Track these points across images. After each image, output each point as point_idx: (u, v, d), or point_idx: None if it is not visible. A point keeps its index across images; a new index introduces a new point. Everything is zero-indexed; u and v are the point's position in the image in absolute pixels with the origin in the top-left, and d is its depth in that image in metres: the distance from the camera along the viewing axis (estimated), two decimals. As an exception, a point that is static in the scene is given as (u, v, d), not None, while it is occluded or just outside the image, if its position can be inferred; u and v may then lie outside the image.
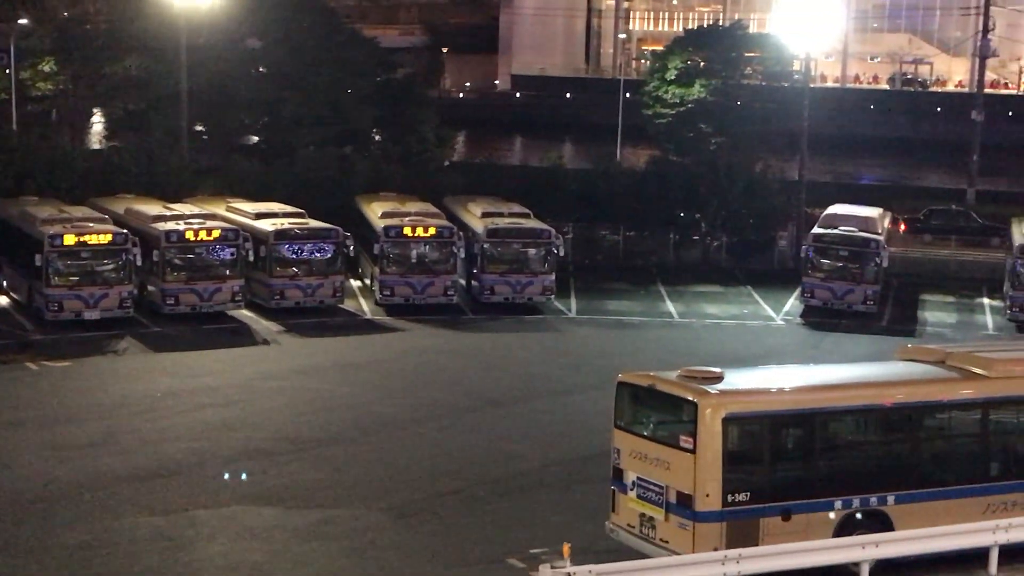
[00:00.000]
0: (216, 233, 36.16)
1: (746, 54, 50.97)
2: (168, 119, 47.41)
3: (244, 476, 23.59)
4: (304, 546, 20.27)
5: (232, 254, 36.08)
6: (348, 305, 38.71)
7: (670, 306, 40.64)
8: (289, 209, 39.76)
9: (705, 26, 71.10)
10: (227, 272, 36.03)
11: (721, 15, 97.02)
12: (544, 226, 39.53)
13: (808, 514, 18.88)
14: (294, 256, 37.30)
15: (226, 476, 23.56)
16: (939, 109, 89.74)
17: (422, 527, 21.31)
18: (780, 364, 26.57)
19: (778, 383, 20.39)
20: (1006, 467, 20.71)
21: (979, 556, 19.44)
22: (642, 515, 19.21)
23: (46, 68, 52.68)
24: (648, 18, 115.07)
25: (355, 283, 41.17)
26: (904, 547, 18.94)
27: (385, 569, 19.50)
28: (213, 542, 20.41)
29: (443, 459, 24.97)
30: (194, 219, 37.10)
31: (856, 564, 18.63)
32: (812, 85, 55.07)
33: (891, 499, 19.49)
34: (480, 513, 22.04)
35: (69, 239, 34.35)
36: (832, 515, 19.09)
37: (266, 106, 50.22)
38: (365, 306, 39.07)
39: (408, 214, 39.41)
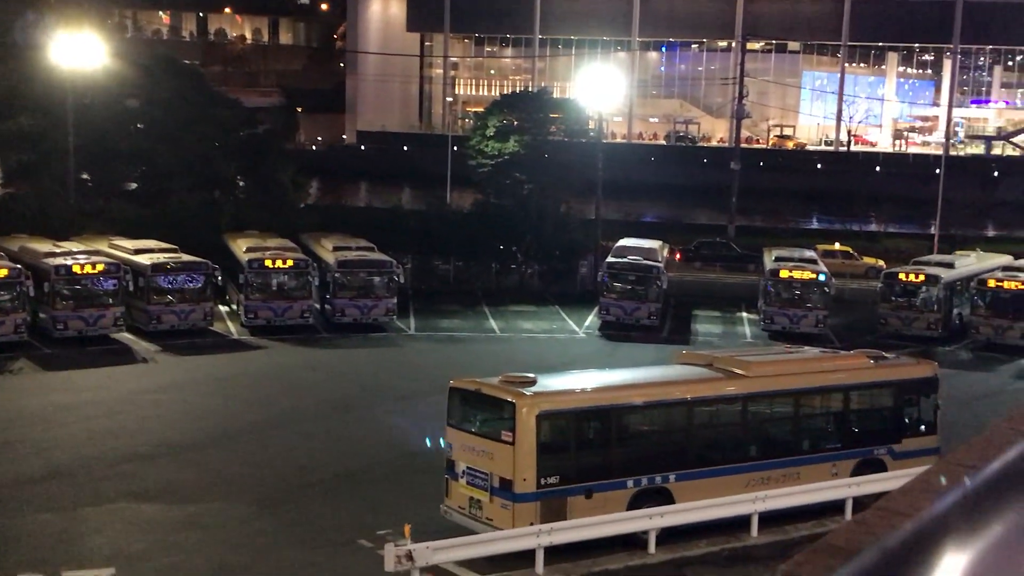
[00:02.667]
0: (100, 267, 34.87)
1: (551, 115, 51.66)
2: (57, 169, 45.47)
3: (127, 477, 22.75)
4: (180, 536, 19.66)
5: (114, 285, 34.84)
6: (217, 328, 37.75)
7: (493, 323, 40.87)
8: (164, 245, 38.63)
9: (517, 91, 71.97)
10: (110, 300, 34.77)
11: (530, 83, 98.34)
12: (387, 258, 39.34)
13: (606, 492, 19.25)
14: (169, 286, 36.26)
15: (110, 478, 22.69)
16: (705, 160, 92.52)
17: (285, 516, 20.90)
18: (583, 369, 27.01)
19: (581, 385, 20.74)
20: (762, 449, 21.52)
21: (743, 523, 20.11)
22: (471, 498, 19.28)
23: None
24: (471, 84, 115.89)
25: (223, 308, 40.18)
26: (683, 516, 19.47)
27: (252, 553, 19.06)
28: (99, 535, 19.61)
29: (302, 458, 24.55)
30: (80, 255, 35.74)
31: (645, 532, 19.06)
32: (605, 140, 56.28)
33: (672, 477, 20.01)
34: (335, 502, 21.75)
35: (-32, 274, 32.64)
36: (625, 492, 19.50)
37: (143, 157, 48.66)
38: (232, 328, 38.17)
39: (269, 248, 38.72)
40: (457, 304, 43.44)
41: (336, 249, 39.74)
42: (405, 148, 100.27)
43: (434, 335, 38.75)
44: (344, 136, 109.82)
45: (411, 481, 22.86)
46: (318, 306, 39.01)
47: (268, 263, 37.42)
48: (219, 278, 37.24)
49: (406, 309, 41.06)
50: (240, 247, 39.17)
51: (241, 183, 51.49)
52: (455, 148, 58.44)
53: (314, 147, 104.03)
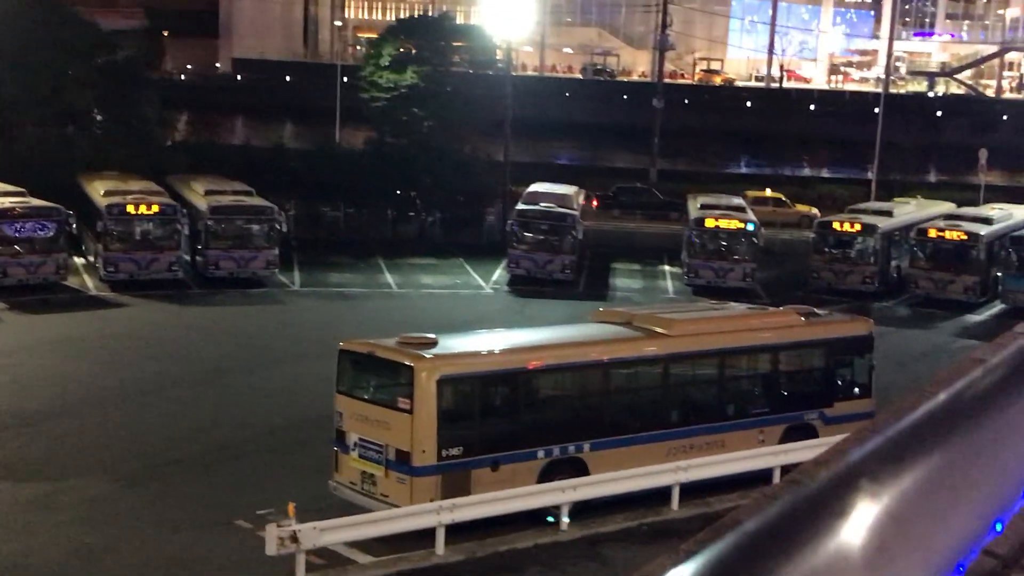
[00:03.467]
0: (-67, 212, 33.80)
1: (454, 43, 51.33)
2: None
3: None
4: (33, 517, 19.31)
5: (-50, 233, 33.80)
6: (72, 282, 36.91)
7: (389, 278, 40.74)
8: (9, 188, 37.50)
9: (416, 16, 71.27)
10: (-55, 251, 33.75)
11: (430, 6, 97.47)
12: (267, 203, 38.84)
13: (514, 464, 19.44)
14: (15, 234, 35.27)
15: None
16: (625, 97, 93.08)
17: (151, 494, 20.67)
18: (489, 329, 27.10)
19: (487, 346, 20.85)
20: (684, 414, 21.93)
21: (663, 494, 20.52)
22: (363, 473, 19.30)
23: None
24: (362, 7, 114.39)
25: (79, 260, 39.30)
26: (599, 489, 19.78)
27: (113, 536, 18.83)
28: (-63, 520, 19.17)
29: (171, 428, 24.26)
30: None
31: (557, 506, 19.33)
32: (514, 73, 56.15)
33: (587, 447, 20.29)
34: (209, 478, 21.57)
35: None
36: (535, 463, 19.72)
37: (-17, 86, 47.00)
38: (89, 283, 37.38)
39: (131, 192, 37.90)
40: (348, 256, 43.15)
41: (208, 193, 39.11)
42: (288, 79, 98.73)
43: (321, 291, 38.49)
44: (217, 64, 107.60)
45: (296, 454, 22.76)
46: (188, 258, 38.42)
47: (130, 209, 36.64)
48: (73, 226, 36.38)
49: (289, 262, 40.64)
50: (98, 190, 38.29)
51: (99, 117, 50.18)
52: (345, 79, 57.73)
53: (183, 76, 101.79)
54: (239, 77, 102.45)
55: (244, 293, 37.23)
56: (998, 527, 3.00)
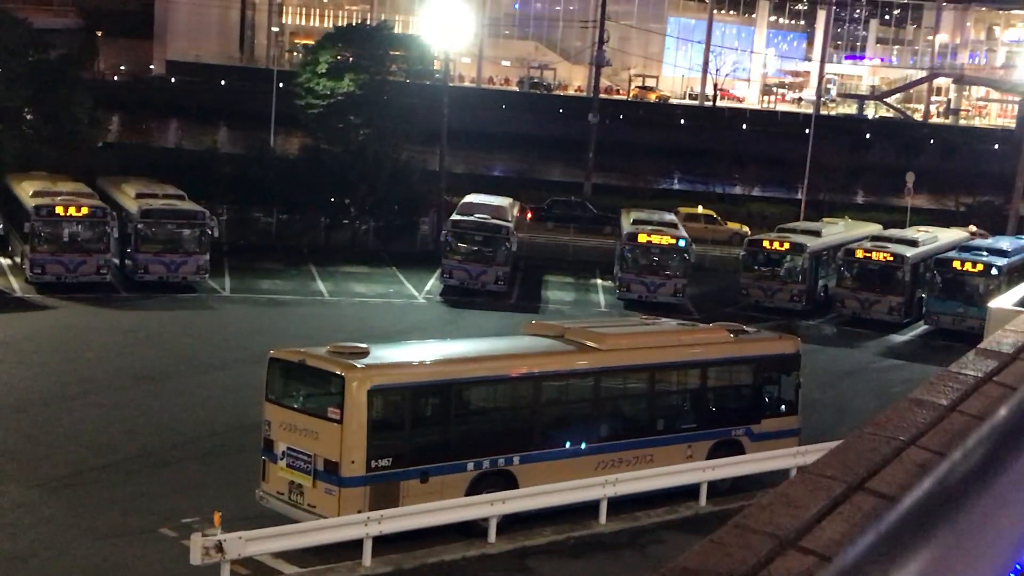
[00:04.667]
0: None
1: (392, 52, 51.18)
2: None
3: None
4: (-51, 525, 18.87)
5: None
6: (-3, 283, 36.26)
7: (321, 285, 40.48)
8: (-66, 186, 36.75)
9: (354, 24, 70.99)
10: None
11: (368, 15, 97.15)
12: (198, 207, 38.43)
13: (444, 476, 19.38)
14: (-61, 234, 34.55)
15: None
16: (561, 110, 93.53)
17: (75, 501, 20.30)
18: (421, 339, 27.05)
19: (419, 357, 20.79)
20: (614, 429, 22.05)
21: (591, 508, 20.58)
22: (291, 483, 19.13)
23: None
24: (300, 13, 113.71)
25: (5, 261, 38.57)
26: (528, 502, 19.80)
27: (36, 544, 18.45)
28: None
29: (96, 434, 23.85)
30: None
31: (486, 519, 19.30)
32: (451, 84, 56.17)
33: (516, 459, 20.29)
34: (134, 486, 21.24)
35: None
36: (465, 476, 19.68)
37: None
38: (15, 284, 36.67)
39: (60, 193, 37.27)
40: (280, 263, 42.82)
41: (139, 196, 38.61)
42: (223, 82, 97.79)
43: (252, 297, 38.14)
44: (152, 66, 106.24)
45: (223, 463, 22.51)
46: (117, 261, 37.88)
47: (59, 210, 36.03)
48: (0, 226, 35.68)
49: (220, 267, 40.23)
50: (26, 191, 37.61)
51: (29, 116, 49.27)
52: (281, 85, 57.34)
53: (116, 77, 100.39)
54: (173, 79, 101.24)
55: (174, 298, 36.77)
56: None
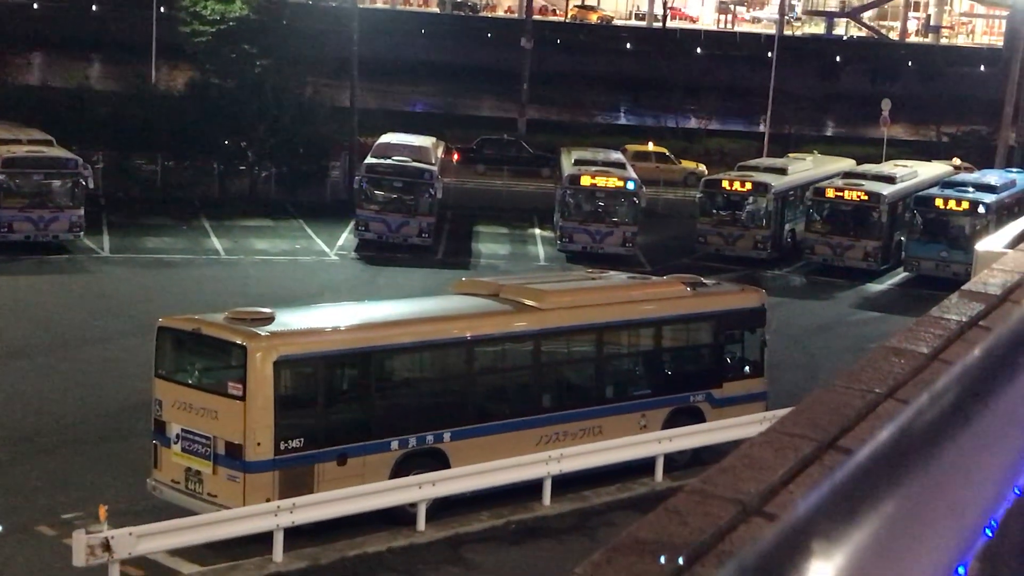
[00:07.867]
0: None
1: (291, -30, 50.70)
2: None
3: None
4: None
5: None
6: None
7: (216, 242, 40.21)
8: None
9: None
10: None
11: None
12: (69, 155, 37.98)
13: (364, 456, 19.45)
14: None
15: None
16: (489, 35, 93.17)
17: (-65, 499, 20.11)
18: (335, 302, 27.01)
19: (332, 322, 20.76)
20: (557, 398, 22.22)
21: (534, 488, 20.77)
22: (188, 469, 19.08)
23: None
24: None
25: None
26: (461, 484, 19.92)
27: None
28: None
29: (-42, 421, 23.61)
30: None
31: (414, 504, 19.41)
32: (362, 5, 55.77)
33: (447, 436, 20.40)
34: (5, 478, 21.07)
35: None
36: (389, 456, 19.75)
37: None
38: None
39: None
40: (167, 217, 42.45)
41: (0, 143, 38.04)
42: (94, 8, 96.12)
43: (136, 258, 37.85)
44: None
45: (107, 450, 22.39)
46: (-24, 219, 37.36)
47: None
48: None
49: (98, 224, 39.83)
50: None
51: None
52: (162, 9, 56.52)
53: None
54: (35, 5, 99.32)
55: (44, 260, 36.38)
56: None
